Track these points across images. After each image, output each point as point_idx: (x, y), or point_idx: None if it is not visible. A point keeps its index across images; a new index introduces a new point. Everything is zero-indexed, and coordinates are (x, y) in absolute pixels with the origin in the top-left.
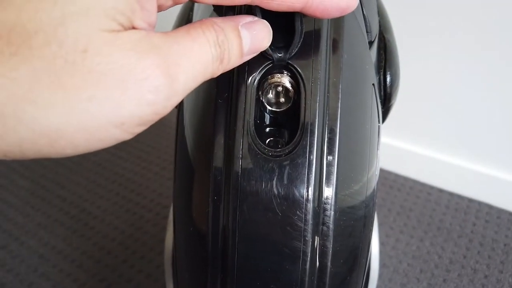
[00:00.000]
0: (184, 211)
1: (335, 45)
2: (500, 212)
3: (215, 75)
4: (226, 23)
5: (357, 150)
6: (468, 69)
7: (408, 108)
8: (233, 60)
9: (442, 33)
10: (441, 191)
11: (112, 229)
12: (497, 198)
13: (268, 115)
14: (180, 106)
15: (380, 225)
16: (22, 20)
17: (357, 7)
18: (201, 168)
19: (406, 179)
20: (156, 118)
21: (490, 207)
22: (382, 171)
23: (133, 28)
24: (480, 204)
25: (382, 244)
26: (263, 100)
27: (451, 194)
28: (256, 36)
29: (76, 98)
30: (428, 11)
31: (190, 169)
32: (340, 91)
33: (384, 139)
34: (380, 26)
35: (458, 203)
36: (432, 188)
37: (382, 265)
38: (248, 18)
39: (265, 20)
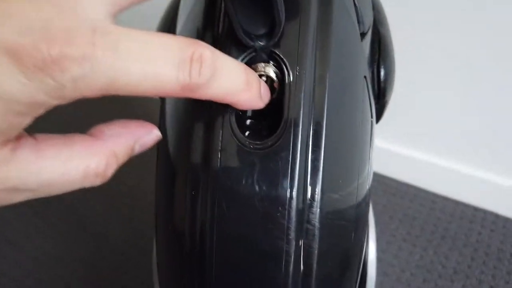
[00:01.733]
0: (163, 208)
1: (323, 32)
2: (506, 221)
3: None
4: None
5: (347, 146)
6: (474, 74)
7: (411, 113)
8: None
9: (444, 34)
10: (446, 199)
11: (109, 234)
12: (504, 207)
13: None
14: (163, 99)
15: (381, 232)
16: None
17: None
18: (179, 162)
19: (408, 186)
20: None
21: (496, 216)
22: (384, 177)
23: None
24: (485, 212)
25: (383, 252)
26: None
27: (456, 202)
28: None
29: None
30: (429, 11)
31: (170, 164)
32: (327, 81)
33: (386, 144)
34: (374, 20)
35: (464, 212)
36: (436, 196)
37: (383, 273)
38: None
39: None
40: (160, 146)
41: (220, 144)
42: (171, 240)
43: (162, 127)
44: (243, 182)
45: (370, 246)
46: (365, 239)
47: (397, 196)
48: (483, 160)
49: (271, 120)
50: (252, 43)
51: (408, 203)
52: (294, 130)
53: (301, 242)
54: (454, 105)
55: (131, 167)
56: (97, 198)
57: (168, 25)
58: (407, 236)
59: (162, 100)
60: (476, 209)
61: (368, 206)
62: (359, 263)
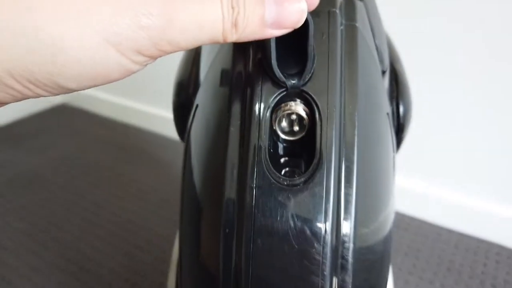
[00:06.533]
0: (191, 246)
1: (350, 71)
2: (510, 252)
3: (228, 39)
4: None
5: (375, 180)
6: (480, 107)
7: (415, 147)
8: (251, 28)
9: (449, 68)
10: (449, 231)
11: (108, 272)
12: (508, 238)
13: (281, 145)
14: (187, 138)
15: None
16: None
17: (369, 36)
18: (211, 200)
19: (412, 219)
20: (151, 50)
21: (500, 247)
22: None
23: None
24: (490, 244)
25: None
26: (277, 129)
27: (460, 234)
28: (284, 9)
29: (71, 8)
30: (436, 47)
31: (199, 202)
32: (356, 118)
33: None
34: (390, 57)
35: (468, 244)
36: (440, 228)
37: None
38: None
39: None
40: (186, 185)
41: (254, 181)
42: (201, 279)
43: (187, 165)
44: (278, 218)
45: (389, 279)
46: (386, 280)
47: (401, 228)
48: (485, 192)
49: (304, 157)
50: (284, 80)
51: (412, 236)
52: (326, 166)
53: (335, 277)
54: (458, 137)
55: (132, 204)
56: (95, 234)
57: (190, 66)
58: (413, 269)
59: (187, 140)
60: (479, 241)
61: (392, 240)
62: None
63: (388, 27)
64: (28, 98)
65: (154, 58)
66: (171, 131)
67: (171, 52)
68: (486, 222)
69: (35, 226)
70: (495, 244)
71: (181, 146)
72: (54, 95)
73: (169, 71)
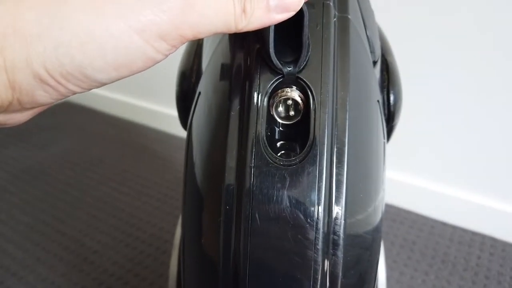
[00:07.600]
0: (194, 223)
1: (342, 60)
2: (504, 245)
3: (239, 25)
4: None
5: (366, 163)
6: (474, 101)
7: (410, 141)
8: (258, 14)
9: (446, 65)
10: (444, 224)
11: (111, 264)
12: (501, 231)
13: (278, 129)
14: (190, 124)
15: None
16: None
17: (361, 27)
18: (210, 181)
19: (408, 212)
20: (173, 34)
21: (494, 240)
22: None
23: None
24: (484, 237)
25: (385, 277)
26: (274, 114)
27: (454, 227)
28: None
29: (98, 2)
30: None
31: (201, 185)
32: (347, 103)
33: (386, 172)
34: (381, 49)
35: (462, 236)
36: (435, 221)
37: None
38: None
39: None
40: (188, 168)
41: (253, 161)
42: (202, 260)
43: (189, 149)
44: (275, 195)
45: (381, 267)
46: (378, 262)
47: (397, 221)
48: (479, 186)
49: (299, 141)
50: (281, 67)
51: (407, 229)
52: (319, 148)
53: (328, 251)
54: (453, 132)
55: (135, 200)
56: (99, 228)
57: (193, 58)
58: (408, 261)
59: (189, 127)
60: (474, 234)
61: (381, 231)
62: (375, 278)
63: (380, 18)
64: (62, 98)
65: (175, 46)
66: (173, 128)
67: (191, 39)
68: (480, 215)
69: (40, 220)
70: (489, 236)
71: (184, 143)
72: (85, 90)
73: (171, 70)
